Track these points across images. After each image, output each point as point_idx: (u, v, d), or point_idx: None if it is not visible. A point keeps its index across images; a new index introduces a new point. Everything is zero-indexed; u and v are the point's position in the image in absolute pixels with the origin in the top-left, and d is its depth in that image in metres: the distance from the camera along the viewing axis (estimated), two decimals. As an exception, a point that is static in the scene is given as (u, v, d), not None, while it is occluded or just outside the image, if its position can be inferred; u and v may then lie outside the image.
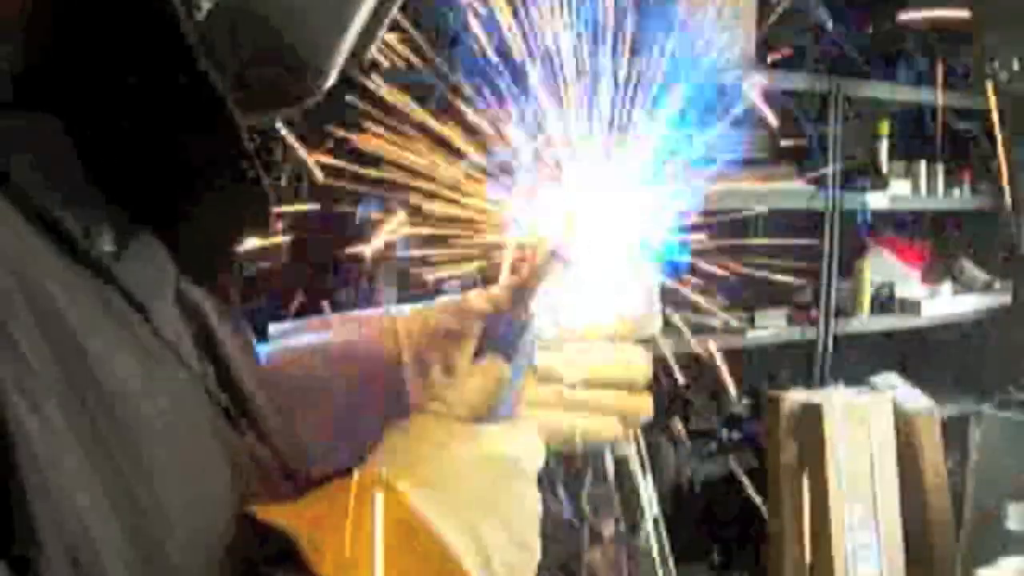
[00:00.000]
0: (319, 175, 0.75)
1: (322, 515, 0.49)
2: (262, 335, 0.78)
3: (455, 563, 0.50)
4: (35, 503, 0.39)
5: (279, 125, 0.65)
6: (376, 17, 0.60)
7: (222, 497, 0.51)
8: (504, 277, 0.73)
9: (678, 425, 2.97)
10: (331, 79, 0.59)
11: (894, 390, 3.08)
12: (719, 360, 0.90)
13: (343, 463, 0.73)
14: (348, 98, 0.68)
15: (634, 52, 0.75)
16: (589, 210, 0.73)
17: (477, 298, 0.74)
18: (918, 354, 3.42)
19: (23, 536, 0.39)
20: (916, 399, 3.09)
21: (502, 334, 0.65)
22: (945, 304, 3.34)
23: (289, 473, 0.61)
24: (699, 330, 2.81)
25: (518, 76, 0.74)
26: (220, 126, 0.49)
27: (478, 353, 0.64)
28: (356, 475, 0.54)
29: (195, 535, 0.47)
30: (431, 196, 0.72)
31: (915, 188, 3.31)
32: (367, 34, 0.60)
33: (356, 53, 0.60)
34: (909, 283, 3.34)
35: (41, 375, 0.41)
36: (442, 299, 0.78)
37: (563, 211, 0.73)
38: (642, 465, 0.75)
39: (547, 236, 0.72)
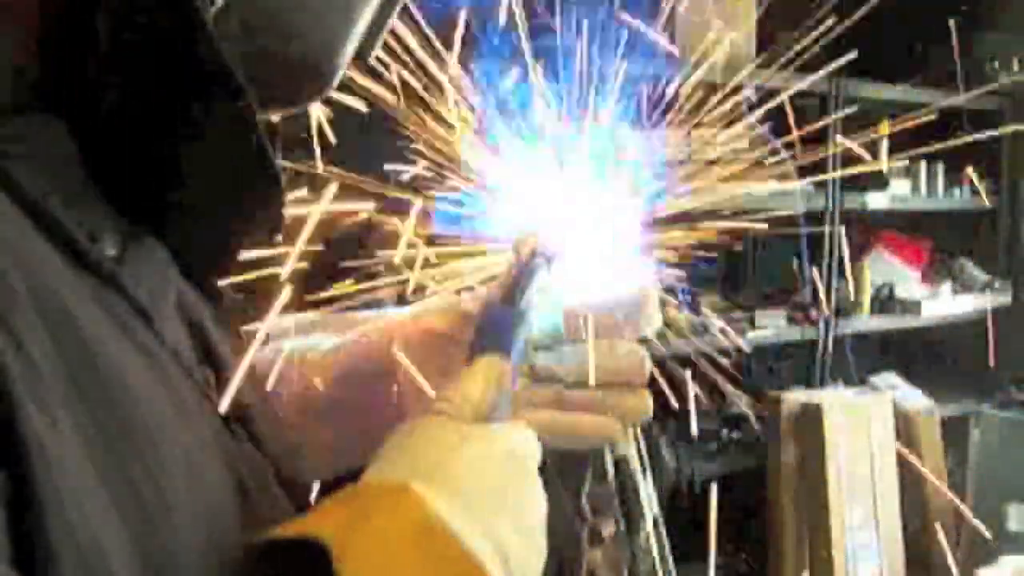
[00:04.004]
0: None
1: (343, 521, 0.47)
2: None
3: (478, 566, 0.50)
4: (48, 513, 0.39)
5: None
6: (380, 17, 0.60)
7: (226, 505, 0.51)
8: (495, 277, 0.74)
9: (678, 425, 2.97)
10: (338, 78, 0.59)
11: (894, 390, 3.08)
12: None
13: (340, 467, 0.73)
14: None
15: (630, 51, 0.75)
16: (578, 209, 0.74)
17: (469, 299, 0.75)
18: (918, 354, 3.42)
19: (36, 546, 0.39)
20: (916, 399, 3.09)
21: (495, 334, 0.65)
22: (945, 304, 3.34)
23: (285, 480, 0.61)
24: (698, 330, 2.84)
25: (509, 75, 0.74)
26: (236, 122, 0.49)
27: (472, 354, 0.64)
28: (373, 480, 0.53)
29: (202, 543, 0.47)
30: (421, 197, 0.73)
31: (915, 188, 3.31)
32: (371, 34, 0.60)
33: (360, 53, 0.60)
34: (909, 283, 3.34)
35: (52, 381, 0.41)
36: (436, 301, 0.78)
37: (551, 210, 0.73)
38: (642, 465, 0.75)
39: (534, 235, 0.72)
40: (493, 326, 0.66)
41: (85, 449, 0.42)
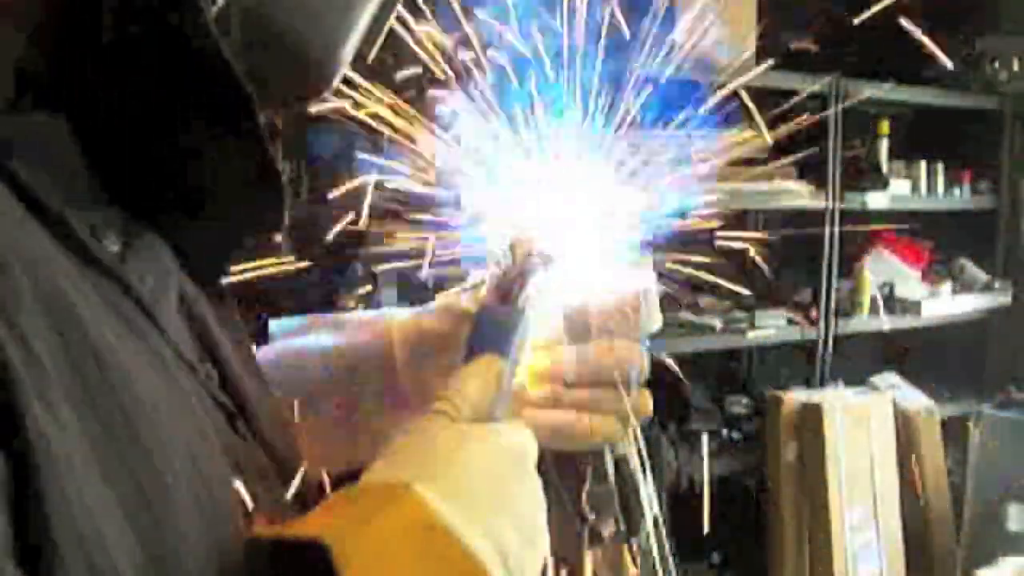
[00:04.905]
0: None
1: (343, 521, 0.47)
2: (260, 335, 0.78)
3: (479, 566, 0.49)
4: (52, 509, 0.39)
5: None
6: (380, 17, 0.60)
7: (229, 503, 0.51)
8: (490, 278, 0.74)
9: (678, 425, 2.97)
10: (338, 77, 0.59)
11: (894, 390, 3.08)
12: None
13: (340, 466, 0.73)
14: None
15: (628, 50, 0.75)
16: (577, 208, 0.74)
17: (466, 300, 0.75)
18: (918, 354, 3.42)
19: (40, 542, 0.39)
20: (916, 399, 3.09)
21: (492, 334, 0.65)
22: (945, 304, 3.34)
23: (287, 479, 0.61)
24: (699, 330, 2.84)
25: (502, 74, 0.74)
26: (239, 121, 0.49)
27: (470, 354, 0.64)
28: (373, 480, 0.53)
29: (205, 541, 0.47)
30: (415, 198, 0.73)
31: (915, 188, 3.31)
32: (371, 33, 0.60)
33: (360, 52, 0.60)
34: (909, 283, 3.34)
35: (56, 377, 0.41)
36: (434, 302, 0.79)
37: (550, 209, 0.73)
38: (642, 465, 0.75)
39: (530, 235, 0.72)
40: (491, 326, 0.66)
41: (89, 445, 0.42)
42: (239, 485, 0.52)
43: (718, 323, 2.85)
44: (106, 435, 0.43)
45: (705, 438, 3.02)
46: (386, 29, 0.62)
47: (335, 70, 0.58)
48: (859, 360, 3.20)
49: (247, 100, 0.49)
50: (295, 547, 0.45)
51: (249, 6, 0.51)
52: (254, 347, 0.69)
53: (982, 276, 3.47)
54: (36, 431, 0.39)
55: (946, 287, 3.38)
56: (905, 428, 3.01)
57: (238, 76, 0.48)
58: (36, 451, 0.39)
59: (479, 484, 0.54)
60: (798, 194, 2.93)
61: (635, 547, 0.74)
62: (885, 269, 3.32)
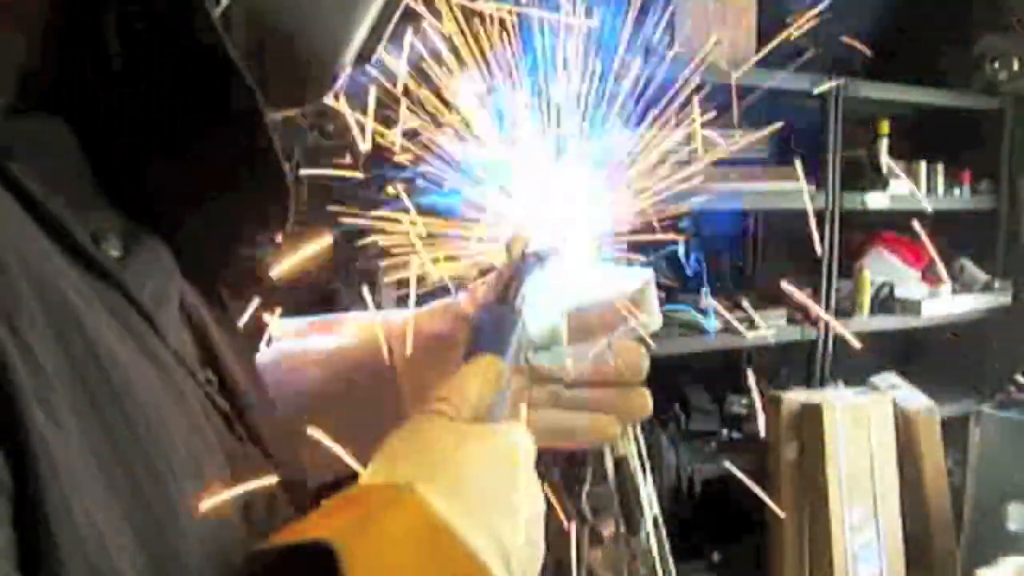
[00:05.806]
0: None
1: (348, 523, 0.47)
2: (260, 337, 0.78)
3: (482, 566, 0.49)
4: (54, 515, 0.39)
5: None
6: (382, 17, 0.60)
7: (230, 506, 0.51)
8: (487, 277, 0.74)
9: (678, 425, 2.97)
10: (341, 77, 0.59)
11: (894, 390, 3.08)
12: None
13: (340, 468, 0.73)
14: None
15: (628, 50, 0.75)
16: (576, 207, 0.74)
17: (464, 300, 0.75)
18: (918, 354, 3.42)
19: (42, 548, 0.39)
20: (916, 399, 3.09)
21: (490, 334, 0.65)
22: (945, 304, 3.34)
23: (286, 481, 0.61)
24: (699, 330, 2.84)
25: (501, 73, 0.74)
26: (242, 121, 0.49)
27: (469, 354, 0.64)
28: (375, 481, 0.53)
29: (206, 544, 0.47)
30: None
31: (915, 188, 3.31)
32: (374, 33, 0.60)
33: (363, 52, 0.60)
34: (909, 283, 3.34)
35: (57, 383, 0.41)
36: (432, 303, 0.79)
37: (548, 208, 0.73)
38: (642, 465, 0.75)
39: (525, 234, 0.72)
40: (488, 326, 0.66)
41: (89, 447, 0.42)
42: (238, 488, 0.52)
43: (718, 323, 2.85)
44: (106, 437, 0.43)
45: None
46: (388, 31, 0.62)
47: (337, 71, 0.58)
48: (859, 360, 3.20)
49: (252, 99, 0.49)
50: (299, 549, 0.45)
51: (252, 7, 0.51)
52: (253, 350, 0.69)
53: (982, 276, 3.47)
54: (36, 433, 0.39)
55: (946, 287, 3.38)
56: (905, 428, 3.01)
57: (244, 75, 0.48)
58: (36, 453, 0.39)
59: (480, 484, 0.54)
60: (798, 194, 2.92)
61: (635, 547, 0.74)
62: (885, 269, 3.32)
